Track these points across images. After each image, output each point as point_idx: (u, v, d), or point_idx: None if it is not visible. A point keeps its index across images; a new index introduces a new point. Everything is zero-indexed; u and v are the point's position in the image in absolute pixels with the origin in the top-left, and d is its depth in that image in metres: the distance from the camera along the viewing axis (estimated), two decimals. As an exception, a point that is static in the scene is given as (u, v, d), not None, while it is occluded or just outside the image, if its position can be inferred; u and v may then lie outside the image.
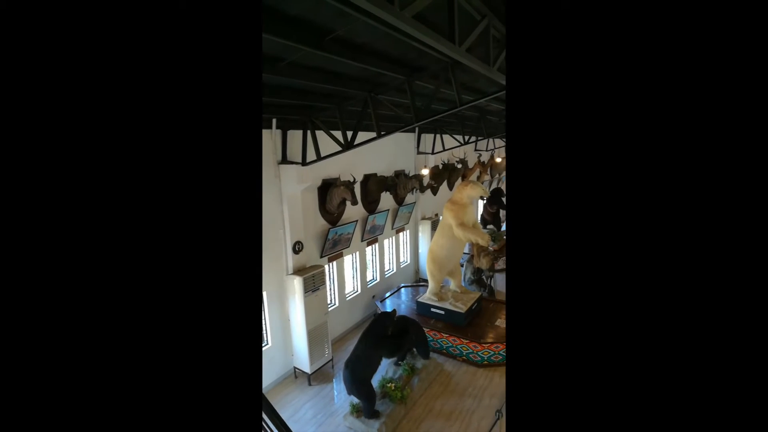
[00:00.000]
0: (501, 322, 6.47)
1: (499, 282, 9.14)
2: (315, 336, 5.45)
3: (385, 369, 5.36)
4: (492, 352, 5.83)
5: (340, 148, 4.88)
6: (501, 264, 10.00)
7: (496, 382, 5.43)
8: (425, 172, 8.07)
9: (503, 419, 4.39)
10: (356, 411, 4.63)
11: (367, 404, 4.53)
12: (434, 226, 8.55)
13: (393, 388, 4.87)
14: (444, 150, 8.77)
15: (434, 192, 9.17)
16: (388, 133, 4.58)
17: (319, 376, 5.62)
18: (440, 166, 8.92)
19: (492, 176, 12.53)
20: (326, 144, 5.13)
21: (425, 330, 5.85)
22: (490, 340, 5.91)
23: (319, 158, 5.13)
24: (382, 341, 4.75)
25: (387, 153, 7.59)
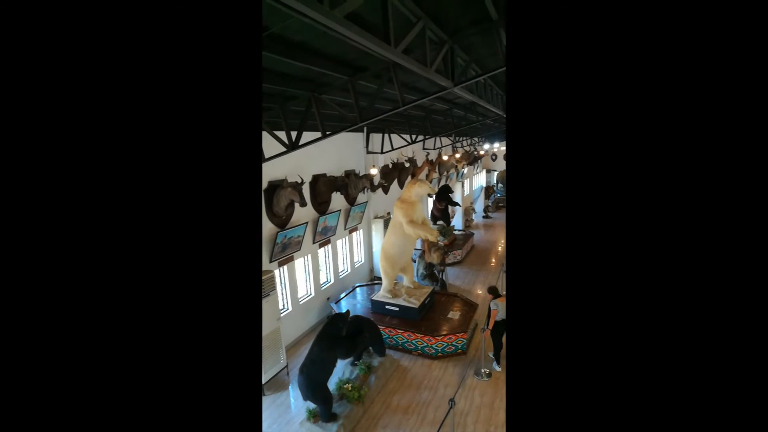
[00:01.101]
0: (453, 314, 6.72)
1: (451, 275, 9.49)
2: (267, 343, 5.27)
3: (342, 370, 5.33)
4: (446, 344, 6.04)
5: (284, 149, 4.74)
6: (451, 258, 10.40)
7: (450, 371, 5.63)
8: (374, 171, 8.13)
9: (456, 407, 4.57)
10: (313, 416, 4.55)
11: (324, 408, 4.47)
12: (387, 224, 8.64)
13: (350, 388, 4.85)
14: (393, 149, 8.89)
15: (385, 191, 9.28)
16: (334, 132, 4.54)
17: (273, 384, 5.44)
18: (390, 165, 9.04)
19: (440, 174, 12.94)
20: (270, 145, 4.96)
21: (381, 327, 5.91)
22: (444, 333, 6.11)
23: (263, 160, 4.95)
24: (337, 343, 4.71)
25: (336, 153, 7.52)
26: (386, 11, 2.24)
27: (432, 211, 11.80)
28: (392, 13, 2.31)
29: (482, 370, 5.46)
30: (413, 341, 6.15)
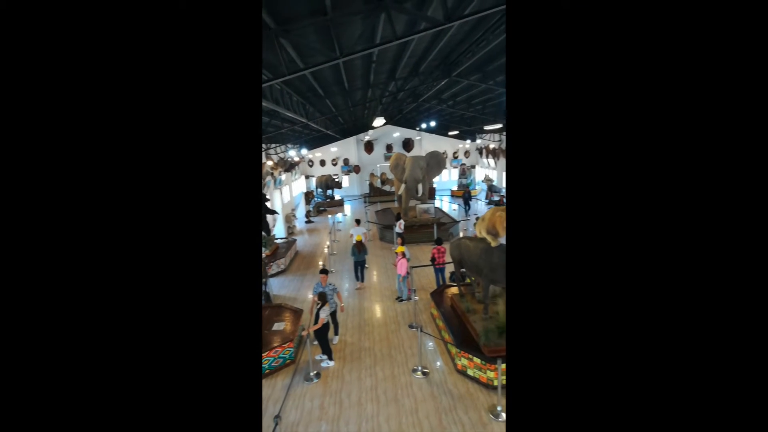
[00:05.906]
0: (278, 326, 6.51)
1: (275, 286, 9.20)
2: None
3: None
4: (273, 358, 5.79)
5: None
6: (275, 267, 10.09)
7: (279, 386, 5.44)
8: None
9: (285, 420, 4.44)
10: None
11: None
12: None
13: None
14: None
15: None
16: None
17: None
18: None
19: (256, 182, 12.33)
20: None
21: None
22: (272, 347, 5.83)
23: None
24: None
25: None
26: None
27: (250, 222, 11.10)
28: None
29: (311, 374, 5.52)
30: (236, 366, 5.62)
